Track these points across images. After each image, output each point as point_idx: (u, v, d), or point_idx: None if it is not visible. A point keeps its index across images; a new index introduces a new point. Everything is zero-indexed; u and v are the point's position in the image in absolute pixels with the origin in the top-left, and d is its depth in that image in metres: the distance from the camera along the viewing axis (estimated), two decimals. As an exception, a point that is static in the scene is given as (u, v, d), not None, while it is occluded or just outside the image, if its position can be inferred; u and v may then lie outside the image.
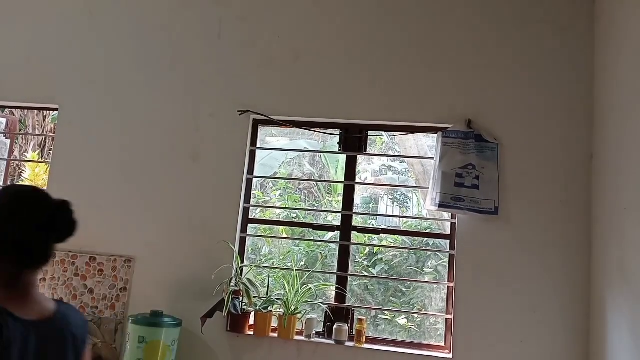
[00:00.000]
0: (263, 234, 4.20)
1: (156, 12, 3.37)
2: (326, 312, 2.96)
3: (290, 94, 3.13)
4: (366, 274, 4.71)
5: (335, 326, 2.86)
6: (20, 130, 7.26)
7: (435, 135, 2.95)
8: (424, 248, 4.39)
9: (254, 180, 3.23)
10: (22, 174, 5.70)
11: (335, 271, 3.05)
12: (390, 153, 5.74)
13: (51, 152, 3.39)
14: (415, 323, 4.30)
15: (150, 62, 3.30)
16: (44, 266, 1.25)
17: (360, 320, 2.86)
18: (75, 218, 1.26)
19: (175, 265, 3.07)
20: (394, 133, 3.55)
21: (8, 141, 3.77)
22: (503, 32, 2.97)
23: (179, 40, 3.29)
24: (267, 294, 3.01)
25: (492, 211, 2.79)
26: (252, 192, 3.21)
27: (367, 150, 3.20)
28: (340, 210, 3.14)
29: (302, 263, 4.60)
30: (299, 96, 3.12)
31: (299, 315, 2.91)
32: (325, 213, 4.90)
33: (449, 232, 2.99)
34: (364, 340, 2.83)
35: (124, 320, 3.01)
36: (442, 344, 2.88)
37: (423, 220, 4.85)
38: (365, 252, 4.86)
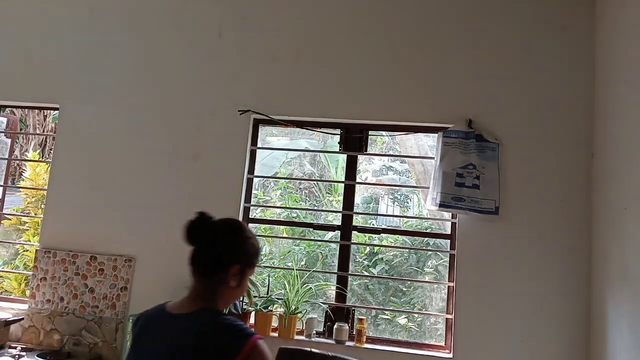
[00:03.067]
0: (263, 234, 4.21)
1: (156, 11, 3.37)
2: (326, 311, 2.96)
3: (291, 93, 3.14)
4: (366, 273, 4.71)
5: (335, 326, 2.87)
6: (20, 129, 7.28)
7: (436, 135, 2.96)
8: (424, 248, 4.40)
9: (255, 179, 3.24)
10: (23, 174, 5.70)
11: (336, 271, 3.05)
12: (391, 153, 5.73)
13: (52, 151, 3.39)
14: (415, 323, 4.30)
15: (150, 62, 3.30)
16: None
17: (361, 319, 2.86)
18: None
19: (175, 264, 3.04)
20: (395, 133, 3.54)
21: (8, 140, 3.76)
22: (503, 32, 2.97)
23: (179, 39, 3.30)
24: (267, 294, 3.02)
25: (493, 211, 2.79)
26: (253, 192, 3.21)
27: (368, 150, 3.20)
28: (340, 210, 3.14)
29: (303, 263, 4.60)
30: (300, 96, 3.12)
31: (299, 315, 2.91)
32: (326, 213, 4.91)
33: (449, 232, 2.99)
34: (364, 340, 2.83)
35: (125, 320, 3.01)
36: (443, 343, 2.88)
37: (423, 220, 4.86)
38: (366, 252, 4.87)
